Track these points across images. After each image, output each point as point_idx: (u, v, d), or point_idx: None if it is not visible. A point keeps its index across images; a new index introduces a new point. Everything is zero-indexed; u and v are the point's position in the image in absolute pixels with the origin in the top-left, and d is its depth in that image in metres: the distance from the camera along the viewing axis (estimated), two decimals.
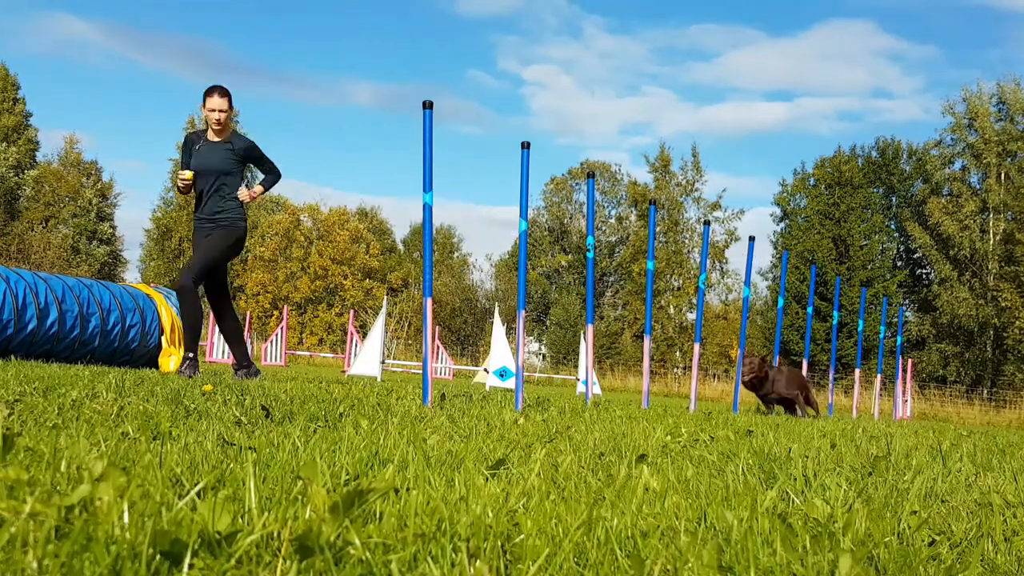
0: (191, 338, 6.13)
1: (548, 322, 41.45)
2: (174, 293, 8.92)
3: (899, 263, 37.75)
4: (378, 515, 1.28)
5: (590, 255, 6.39)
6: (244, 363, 6.44)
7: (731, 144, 61.48)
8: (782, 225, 38.32)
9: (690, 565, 1.16)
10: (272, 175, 6.46)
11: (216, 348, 17.22)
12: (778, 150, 61.63)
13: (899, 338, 13.35)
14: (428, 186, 4.71)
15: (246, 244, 41.59)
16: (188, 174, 6.13)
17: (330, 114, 65.16)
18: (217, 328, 17.16)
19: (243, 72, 59.35)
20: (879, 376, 12.52)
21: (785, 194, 38.10)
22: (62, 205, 40.02)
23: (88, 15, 58.54)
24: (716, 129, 59.79)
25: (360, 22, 62.01)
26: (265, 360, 19.89)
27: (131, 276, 43.37)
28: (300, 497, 1.37)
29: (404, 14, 61.81)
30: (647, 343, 6.86)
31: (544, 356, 39.83)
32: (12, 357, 6.38)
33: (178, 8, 59.31)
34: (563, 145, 63.08)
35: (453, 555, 1.12)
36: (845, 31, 57.60)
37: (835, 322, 10.23)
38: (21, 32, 55.65)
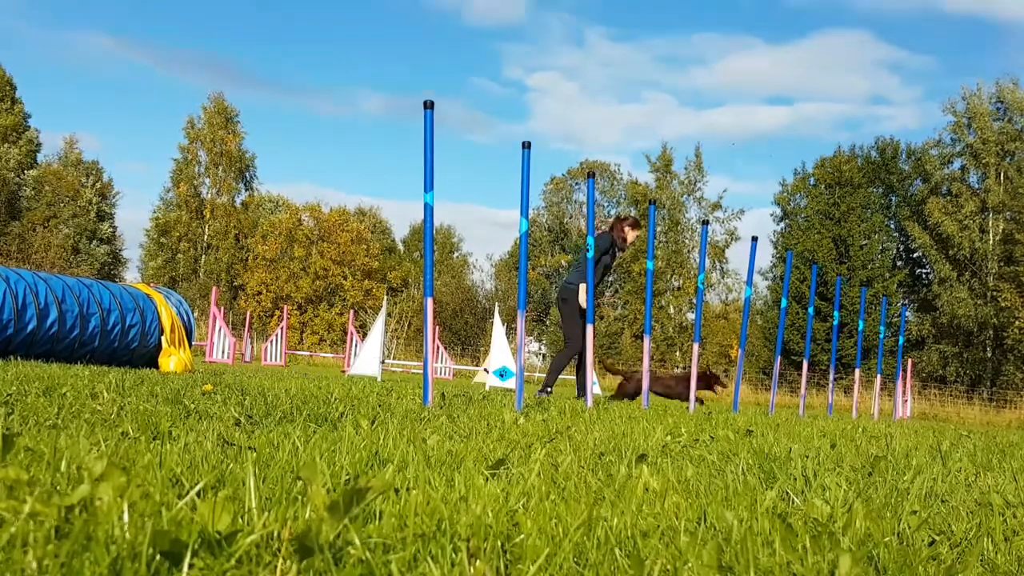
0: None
1: (548, 322, 41.44)
2: (174, 293, 8.93)
3: (899, 263, 37.71)
4: (378, 515, 1.28)
5: (590, 255, 6.39)
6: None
7: (731, 149, 61.57)
8: (782, 225, 38.31)
9: (690, 565, 1.16)
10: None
11: (216, 348, 17.20)
12: (777, 155, 61.79)
13: (901, 338, 13.33)
14: (429, 186, 4.68)
15: (248, 243, 41.51)
16: None
17: (336, 121, 65.36)
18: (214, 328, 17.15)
19: (246, 79, 59.41)
20: (879, 376, 12.50)
21: (785, 194, 38.07)
22: (63, 205, 39.98)
23: (103, 29, 58.75)
24: (717, 134, 59.92)
25: (367, 32, 62.24)
26: (265, 360, 19.90)
27: (131, 276, 43.41)
28: (300, 497, 1.37)
29: (411, 24, 62.02)
30: (647, 343, 6.85)
31: (544, 356, 39.79)
32: (12, 357, 6.38)
33: (181, 16, 59.49)
34: (566, 150, 63.37)
35: (453, 555, 1.12)
36: (843, 41, 57.76)
37: (836, 322, 10.21)
38: (27, 35, 55.77)
